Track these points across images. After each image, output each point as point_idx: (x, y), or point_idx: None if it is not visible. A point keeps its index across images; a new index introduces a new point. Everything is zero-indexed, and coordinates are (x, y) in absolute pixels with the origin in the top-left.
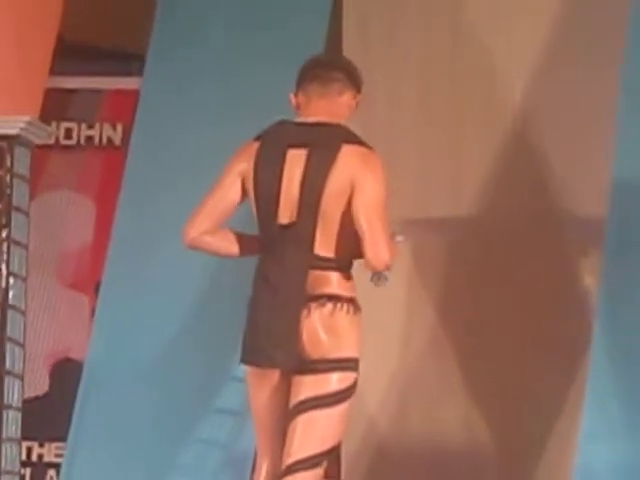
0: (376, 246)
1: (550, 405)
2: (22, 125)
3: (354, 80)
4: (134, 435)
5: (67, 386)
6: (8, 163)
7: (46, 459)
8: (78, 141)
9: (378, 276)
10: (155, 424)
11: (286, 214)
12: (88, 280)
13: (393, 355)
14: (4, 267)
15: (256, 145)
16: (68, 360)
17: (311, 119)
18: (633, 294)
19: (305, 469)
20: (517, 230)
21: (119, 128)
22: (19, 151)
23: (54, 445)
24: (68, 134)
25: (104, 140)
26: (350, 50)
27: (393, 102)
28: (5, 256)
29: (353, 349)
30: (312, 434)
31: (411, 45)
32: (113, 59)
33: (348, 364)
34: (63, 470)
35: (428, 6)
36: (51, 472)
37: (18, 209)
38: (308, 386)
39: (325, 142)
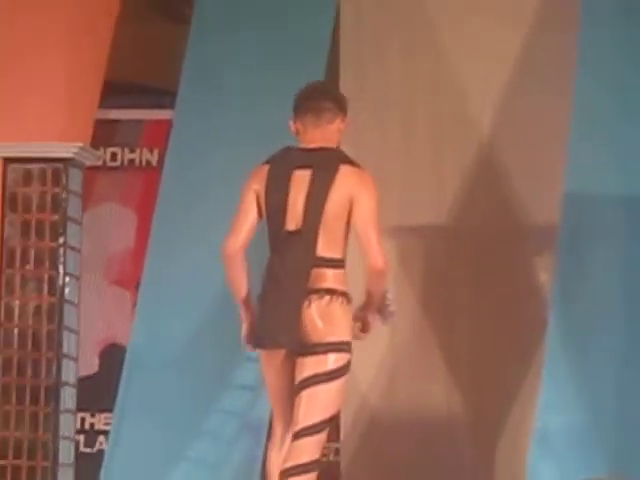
0: (372, 251)
1: (513, 382)
2: (75, 150)
3: (341, 107)
4: (168, 406)
5: (113, 366)
6: (64, 181)
7: (97, 427)
8: (122, 163)
9: (384, 315)
10: (185, 397)
11: (292, 222)
12: (130, 278)
13: (383, 341)
14: (61, 268)
15: (266, 168)
16: (114, 345)
17: (311, 145)
18: (580, 289)
19: (310, 434)
20: (485, 236)
21: (156, 152)
22: (73, 171)
23: (103, 415)
24: (113, 157)
25: (143, 162)
26: (346, 81)
27: (381, 125)
28: (62, 259)
29: (346, 334)
30: (315, 406)
31: (397, 76)
32: (150, 94)
33: (342, 346)
34: (111, 436)
35: (412, 45)
36: (101, 438)
37: (72, 220)
38: (309, 365)
39: (325, 164)
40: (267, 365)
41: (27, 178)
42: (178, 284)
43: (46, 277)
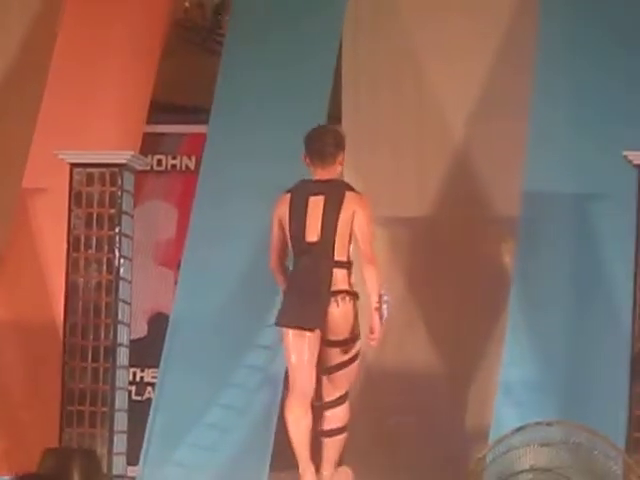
0: (368, 253)
1: (482, 341)
2: (128, 157)
3: (341, 147)
4: (203, 362)
5: (159, 331)
6: (119, 182)
7: (145, 380)
8: (166, 168)
9: (382, 314)
10: (216, 355)
11: (312, 235)
12: (173, 260)
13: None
14: (117, 252)
15: (288, 196)
16: (159, 314)
17: (322, 178)
18: (537, 267)
19: (340, 404)
20: (459, 224)
21: (193, 159)
22: (126, 174)
23: (151, 370)
24: (159, 163)
25: (183, 167)
26: (347, 110)
27: (375, 144)
28: (118, 245)
29: (358, 326)
30: (339, 383)
31: (388, 101)
32: (189, 112)
33: (357, 337)
34: (157, 387)
35: (400, 74)
36: (149, 388)
37: (126, 213)
38: (334, 356)
39: (335, 191)
40: (294, 343)
41: (89, 180)
42: (211, 265)
43: (105, 259)
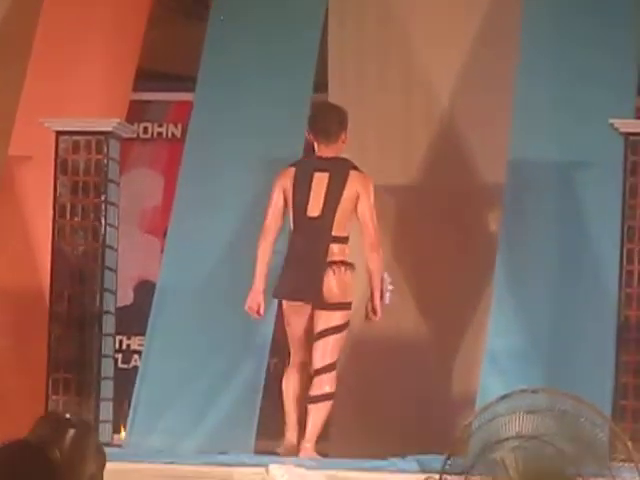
0: (370, 233)
1: (468, 310)
2: (114, 125)
3: (344, 125)
4: (189, 330)
5: (145, 298)
6: (105, 150)
7: (132, 347)
8: (152, 135)
9: (385, 295)
10: (203, 322)
11: (313, 210)
12: (159, 228)
13: (363, 278)
14: (103, 220)
15: (293, 169)
16: (146, 281)
17: (326, 155)
18: (522, 236)
19: (327, 372)
20: (446, 193)
21: (179, 127)
22: (112, 142)
23: (137, 338)
24: (145, 131)
25: (170, 135)
26: (333, 83)
27: (361, 116)
28: (103, 213)
29: (351, 296)
30: (328, 351)
31: (374, 73)
32: (175, 79)
33: (348, 306)
34: (143, 355)
35: (385, 53)
36: (135, 356)
37: (112, 181)
38: (324, 319)
39: (339, 169)
40: (291, 314)
41: (75, 147)
42: (197, 233)
43: (91, 227)
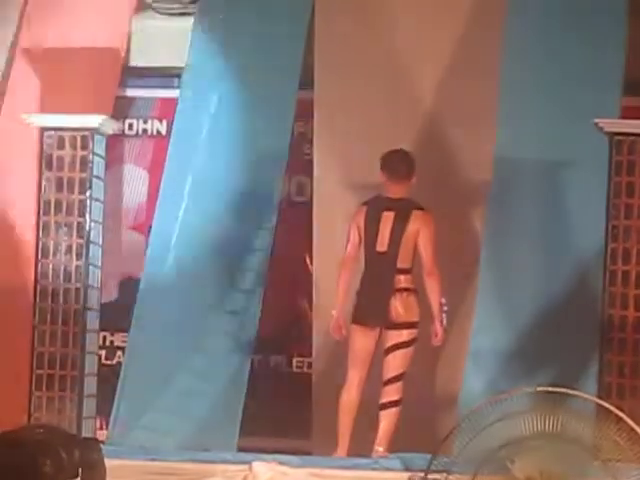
0: (430, 266)
1: (452, 309)
2: (100, 121)
3: (413, 170)
4: (173, 327)
5: (129, 295)
6: (90, 146)
7: (115, 344)
8: (137, 132)
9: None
10: (187, 320)
11: (382, 246)
12: (143, 225)
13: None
14: (88, 216)
15: (365, 208)
16: (130, 278)
17: (395, 196)
18: (506, 233)
19: (395, 382)
20: (433, 189)
21: (164, 123)
22: (98, 138)
23: (121, 334)
24: (130, 127)
25: (154, 131)
26: (320, 74)
27: (347, 107)
28: (89, 209)
29: (416, 316)
30: (397, 364)
31: (360, 68)
32: (160, 77)
33: (413, 325)
34: (127, 351)
35: (371, 43)
36: (119, 353)
37: (97, 177)
38: (393, 337)
39: (403, 209)
40: (358, 337)
41: (60, 143)
42: (181, 230)
43: (75, 223)
